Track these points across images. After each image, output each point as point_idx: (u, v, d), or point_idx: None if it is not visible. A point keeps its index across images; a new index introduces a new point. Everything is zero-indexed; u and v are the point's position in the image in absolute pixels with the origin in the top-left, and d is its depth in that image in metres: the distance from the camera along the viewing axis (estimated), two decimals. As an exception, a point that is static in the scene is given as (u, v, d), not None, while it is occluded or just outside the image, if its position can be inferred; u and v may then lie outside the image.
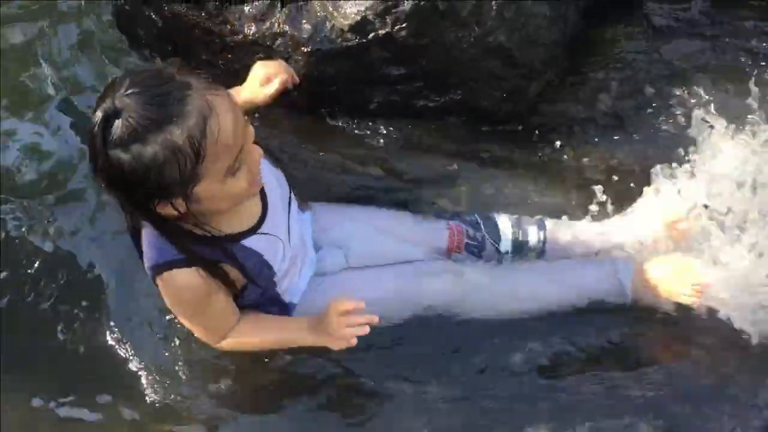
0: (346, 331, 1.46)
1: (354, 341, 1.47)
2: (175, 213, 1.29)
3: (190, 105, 1.21)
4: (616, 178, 1.94)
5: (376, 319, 1.48)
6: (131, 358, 1.76)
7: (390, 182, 1.96)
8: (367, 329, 1.47)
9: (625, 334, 1.76)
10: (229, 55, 1.95)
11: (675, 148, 1.90)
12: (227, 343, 1.56)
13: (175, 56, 2.05)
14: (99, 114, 1.20)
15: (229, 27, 1.90)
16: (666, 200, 1.81)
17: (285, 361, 1.72)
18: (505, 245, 1.77)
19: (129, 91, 1.20)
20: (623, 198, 1.87)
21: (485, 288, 1.70)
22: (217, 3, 1.89)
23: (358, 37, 1.82)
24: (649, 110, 2.04)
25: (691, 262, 1.68)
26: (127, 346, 1.77)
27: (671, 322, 1.73)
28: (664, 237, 1.78)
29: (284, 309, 1.64)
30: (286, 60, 1.87)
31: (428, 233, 1.78)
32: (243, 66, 1.95)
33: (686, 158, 1.87)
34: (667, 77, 2.08)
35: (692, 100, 2.01)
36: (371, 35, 1.81)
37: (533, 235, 1.78)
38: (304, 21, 1.85)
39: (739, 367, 1.68)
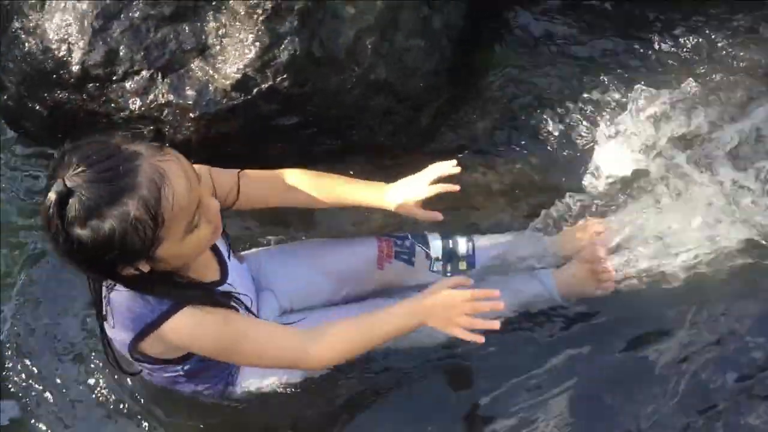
0: (468, 320, 1.44)
1: (481, 339, 1.45)
2: (139, 273, 1.31)
3: (141, 175, 1.24)
4: (517, 192, 2.02)
5: (501, 306, 1.46)
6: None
7: (304, 227, 1.98)
8: (497, 324, 1.46)
9: (551, 334, 1.80)
10: (120, 133, 1.95)
11: (568, 160, 2.04)
12: (324, 351, 1.47)
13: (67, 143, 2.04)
14: (52, 196, 1.22)
15: (113, 105, 1.91)
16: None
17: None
18: (436, 251, 1.79)
19: (78, 170, 1.22)
20: (529, 212, 1.96)
21: None
22: (97, 84, 1.90)
23: (242, 95, 1.86)
24: (541, 129, 2.11)
25: (597, 253, 1.77)
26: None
27: (592, 315, 1.80)
28: (576, 239, 1.85)
29: (228, 379, 1.62)
30: (175, 129, 1.89)
31: (357, 251, 1.78)
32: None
33: (579, 167, 2.00)
34: (549, 94, 2.17)
35: (574, 115, 2.10)
36: (255, 90, 1.85)
37: (462, 245, 1.81)
38: (187, 88, 1.88)
39: (661, 351, 1.74)
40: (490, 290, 1.48)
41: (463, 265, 1.80)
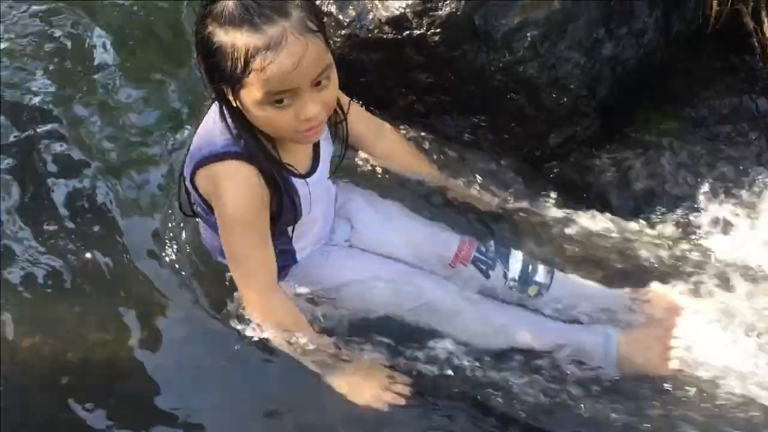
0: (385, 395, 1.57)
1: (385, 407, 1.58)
2: (233, 104, 1.43)
3: (272, 30, 1.35)
4: (615, 257, 1.89)
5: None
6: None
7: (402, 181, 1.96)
8: (402, 400, 1.58)
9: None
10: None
11: (678, 236, 1.91)
12: (269, 306, 1.58)
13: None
14: None
15: (284, -4, 2.03)
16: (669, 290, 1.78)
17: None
18: (514, 273, 1.75)
19: None
20: (615, 274, 1.84)
21: (477, 310, 1.70)
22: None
23: (393, 32, 1.90)
24: (665, 200, 2.00)
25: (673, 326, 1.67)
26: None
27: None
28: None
29: (288, 263, 1.67)
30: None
31: (438, 239, 1.79)
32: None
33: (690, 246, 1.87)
34: (695, 174, 2.03)
35: (711, 203, 1.96)
36: (405, 33, 1.89)
37: (541, 274, 1.76)
38: (351, 7, 1.96)
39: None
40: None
41: (533, 291, 1.75)
